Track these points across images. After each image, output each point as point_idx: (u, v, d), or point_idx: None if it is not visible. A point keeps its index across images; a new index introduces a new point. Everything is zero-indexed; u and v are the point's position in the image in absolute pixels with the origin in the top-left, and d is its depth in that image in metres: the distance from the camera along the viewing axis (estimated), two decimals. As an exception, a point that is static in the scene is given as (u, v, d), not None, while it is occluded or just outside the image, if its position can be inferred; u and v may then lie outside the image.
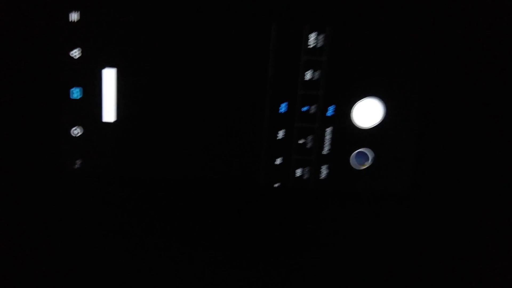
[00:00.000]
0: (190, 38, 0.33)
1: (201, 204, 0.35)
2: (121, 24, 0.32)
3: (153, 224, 0.35)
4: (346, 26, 0.32)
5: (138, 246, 0.35)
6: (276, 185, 0.35)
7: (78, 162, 0.35)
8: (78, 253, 0.35)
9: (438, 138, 0.34)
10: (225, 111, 0.34)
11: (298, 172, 0.35)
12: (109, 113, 0.34)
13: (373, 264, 0.35)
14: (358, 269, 0.35)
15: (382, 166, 0.35)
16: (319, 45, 0.32)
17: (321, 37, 0.32)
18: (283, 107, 0.34)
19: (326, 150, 0.34)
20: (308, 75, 0.33)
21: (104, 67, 0.33)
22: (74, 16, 0.32)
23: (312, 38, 0.32)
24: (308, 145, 0.34)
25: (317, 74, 0.33)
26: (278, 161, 0.35)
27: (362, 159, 0.35)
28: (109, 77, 0.33)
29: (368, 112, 0.34)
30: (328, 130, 0.34)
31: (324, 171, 0.35)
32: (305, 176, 0.35)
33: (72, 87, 0.33)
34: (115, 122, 0.34)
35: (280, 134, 0.34)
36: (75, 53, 0.33)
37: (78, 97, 0.34)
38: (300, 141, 0.34)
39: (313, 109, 0.34)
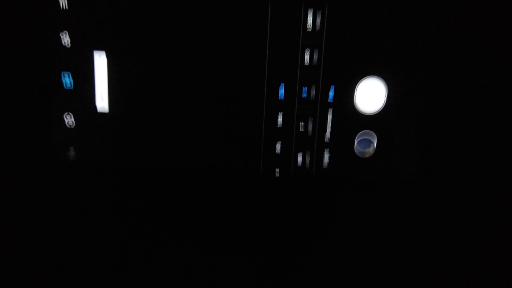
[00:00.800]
0: (185, 24, 0.32)
1: (198, 194, 0.35)
2: (111, 6, 0.32)
3: (149, 215, 0.35)
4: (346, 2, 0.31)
5: (133, 236, 0.35)
6: (277, 174, 0.34)
7: (71, 152, 0.34)
8: (70, 244, 0.34)
9: (446, 122, 0.33)
10: (222, 97, 0.33)
11: (300, 161, 0.34)
12: (101, 101, 0.33)
13: (378, 256, 0.35)
14: (362, 261, 0.35)
15: (387, 152, 0.34)
16: (317, 24, 0.32)
17: (319, 13, 0.31)
18: (281, 92, 0.33)
19: (327, 136, 0.33)
20: (307, 56, 0.32)
21: (94, 50, 0.32)
22: (63, 2, 0.32)
23: (310, 17, 0.31)
24: (309, 132, 0.33)
25: (315, 54, 0.32)
26: (278, 149, 0.34)
27: (366, 144, 0.33)
28: (100, 61, 0.33)
29: (371, 95, 0.33)
30: (330, 115, 0.33)
31: (326, 158, 0.34)
32: (307, 165, 0.34)
33: (62, 71, 0.33)
34: (108, 111, 0.33)
35: (279, 121, 0.33)
36: (64, 37, 0.32)
37: (70, 85, 0.33)
38: (301, 128, 0.33)
39: (313, 93, 0.33)
